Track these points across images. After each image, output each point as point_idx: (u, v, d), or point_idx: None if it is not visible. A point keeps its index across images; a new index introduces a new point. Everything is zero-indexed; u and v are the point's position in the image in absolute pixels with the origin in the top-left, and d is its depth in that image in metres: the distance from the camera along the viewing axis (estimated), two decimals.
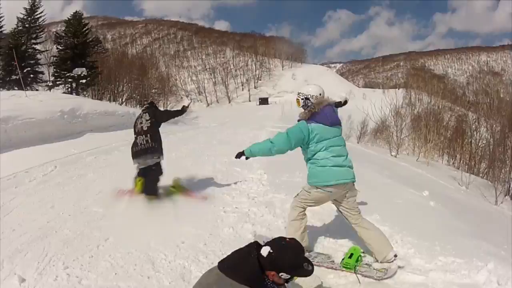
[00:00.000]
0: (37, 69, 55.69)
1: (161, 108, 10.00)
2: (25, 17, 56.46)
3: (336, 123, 6.19)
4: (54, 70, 55.12)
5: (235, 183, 11.05)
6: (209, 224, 7.96)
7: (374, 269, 5.77)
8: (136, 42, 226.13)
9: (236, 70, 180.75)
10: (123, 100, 50.12)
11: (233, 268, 3.64)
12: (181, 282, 5.67)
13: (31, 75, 52.79)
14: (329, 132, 6.03)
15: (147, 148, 8.84)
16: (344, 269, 5.86)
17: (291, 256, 3.64)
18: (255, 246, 3.80)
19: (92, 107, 22.66)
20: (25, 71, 45.79)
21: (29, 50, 55.40)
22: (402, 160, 25.90)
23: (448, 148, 39.10)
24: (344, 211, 6.19)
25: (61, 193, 10.19)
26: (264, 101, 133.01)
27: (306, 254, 4.75)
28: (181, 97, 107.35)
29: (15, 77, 49.85)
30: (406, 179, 14.87)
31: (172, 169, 12.21)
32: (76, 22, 54.80)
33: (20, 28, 56.11)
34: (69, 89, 51.01)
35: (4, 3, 56.69)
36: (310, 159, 6.22)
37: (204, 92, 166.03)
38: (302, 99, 6.38)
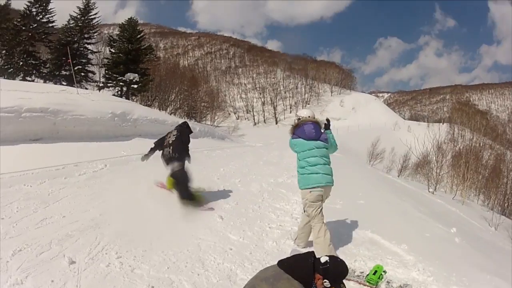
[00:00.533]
0: (87, 68, 57.72)
1: (190, 135, 10.60)
2: (78, 16, 58.13)
3: (312, 138, 7.60)
4: (106, 71, 56.70)
5: (280, 203, 11.56)
6: (255, 237, 8.54)
7: (392, 286, 6.58)
8: (188, 53, 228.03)
9: (285, 92, 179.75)
10: (172, 109, 50.76)
11: (291, 266, 4.49)
12: (227, 282, 6.25)
13: (82, 73, 54.73)
14: (306, 145, 7.59)
15: (170, 157, 10.27)
16: (367, 283, 6.61)
17: (340, 271, 4.60)
18: (312, 255, 4.67)
19: (142, 113, 23.03)
20: (76, 68, 46.75)
21: (81, 49, 57.40)
22: (439, 197, 25.67)
23: (484, 188, 38.66)
24: (323, 200, 7.61)
25: (112, 189, 10.54)
26: None
27: None
28: (229, 113, 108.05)
29: (65, 72, 51.44)
30: (439, 215, 15.00)
31: (221, 183, 12.84)
32: (130, 28, 56.38)
33: (72, 25, 57.84)
34: (119, 92, 52.38)
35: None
36: (298, 167, 7.79)
37: (252, 110, 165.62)
38: (296, 119, 8.14)
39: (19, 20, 55.65)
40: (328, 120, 8.41)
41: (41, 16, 56.25)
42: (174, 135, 10.65)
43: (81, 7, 58.05)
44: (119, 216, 8.48)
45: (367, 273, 6.78)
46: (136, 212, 8.92)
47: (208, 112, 60.38)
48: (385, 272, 6.78)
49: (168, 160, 10.33)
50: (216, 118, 62.62)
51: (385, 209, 12.05)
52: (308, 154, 7.54)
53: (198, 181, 12.27)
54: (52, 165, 11.93)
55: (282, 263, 4.57)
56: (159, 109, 45.20)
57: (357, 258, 7.41)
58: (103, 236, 7.23)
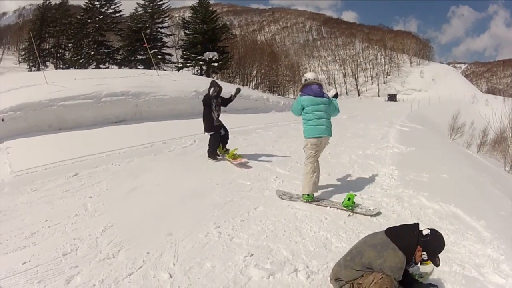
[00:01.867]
0: (163, 50, 59.52)
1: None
2: (146, 3, 60.23)
3: (319, 95, 8.75)
4: (183, 52, 58.02)
5: (369, 174, 11.42)
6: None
7: (365, 207, 8.16)
8: (264, 29, 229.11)
9: (365, 63, 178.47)
10: (254, 84, 51.05)
11: (398, 236, 4.79)
12: (323, 250, 6.29)
13: (159, 56, 56.27)
14: (313, 101, 8.70)
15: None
16: (344, 208, 8.01)
17: (439, 244, 4.85)
18: (417, 227, 4.92)
19: (226, 89, 23.17)
20: (152, 52, 47.87)
21: (154, 33, 59.14)
22: None
23: None
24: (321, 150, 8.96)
25: (205, 164, 10.90)
26: (392, 97, 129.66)
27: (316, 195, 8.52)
28: None
29: (140, 57, 53.30)
30: None
31: None
32: (203, 9, 57.28)
33: (141, 12, 60.05)
34: (199, 72, 53.30)
35: None
36: (303, 120, 8.86)
37: (334, 83, 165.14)
38: (304, 80, 9.37)
39: (82, 14, 59.05)
40: (336, 94, 9.58)
41: (106, 8, 59.27)
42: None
43: None
44: (214, 188, 8.71)
45: (342, 201, 8.14)
46: (231, 185, 9.11)
47: (290, 86, 60.43)
48: (356, 195, 8.22)
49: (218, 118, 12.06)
50: (299, 92, 61.41)
51: (466, 184, 11.77)
52: (316, 108, 8.69)
53: (290, 152, 13.13)
54: (139, 143, 12.39)
55: (390, 232, 4.87)
56: (241, 85, 45.80)
57: (441, 231, 7.03)
58: (200, 207, 7.46)
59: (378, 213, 7.89)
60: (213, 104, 12.03)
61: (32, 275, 4.92)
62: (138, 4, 60.02)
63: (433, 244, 4.78)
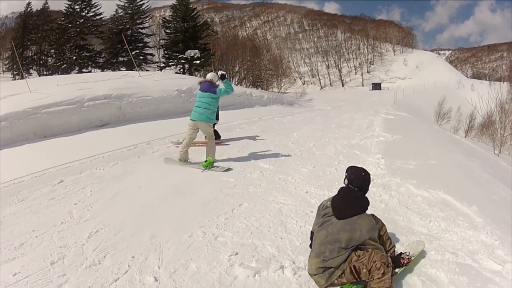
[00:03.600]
0: (145, 51, 60.16)
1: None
2: (126, 4, 60.48)
3: (205, 90, 10.98)
4: (165, 52, 58.35)
5: (356, 164, 11.06)
6: None
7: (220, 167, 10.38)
8: (245, 25, 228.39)
9: (348, 54, 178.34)
10: (237, 80, 51.19)
11: (347, 208, 4.98)
12: None
13: (141, 57, 56.77)
14: (200, 94, 11.00)
15: None
16: (202, 167, 10.24)
17: (360, 177, 5.27)
18: (346, 189, 5.19)
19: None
20: (133, 53, 48.07)
21: (135, 34, 59.49)
22: (503, 160, 24.71)
23: None
24: (204, 133, 11.05)
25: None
26: (377, 86, 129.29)
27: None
28: (295, 79, 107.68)
29: (122, 59, 53.58)
30: (505, 179, 14.44)
31: (296, 148, 13.19)
32: (183, 8, 57.47)
33: (122, 14, 60.30)
34: (182, 70, 53.61)
35: None
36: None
37: (318, 74, 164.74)
38: (202, 78, 12.54)
39: (63, 19, 59.19)
40: (223, 74, 11.18)
41: (86, 11, 59.41)
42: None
43: None
44: (198, 187, 8.75)
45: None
46: (215, 182, 9.13)
47: (274, 80, 60.43)
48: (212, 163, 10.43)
49: None
50: (282, 85, 62.17)
51: (455, 170, 11.74)
52: (199, 100, 10.92)
53: (274, 146, 13.07)
54: (122, 146, 12.44)
55: (340, 213, 4.97)
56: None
57: (431, 219, 7.30)
58: (184, 206, 7.49)
59: None
60: None
61: (22, 286, 4.94)
62: (118, 6, 60.15)
63: (362, 181, 5.19)
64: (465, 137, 38.02)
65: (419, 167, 11.01)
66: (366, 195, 5.23)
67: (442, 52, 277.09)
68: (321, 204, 5.27)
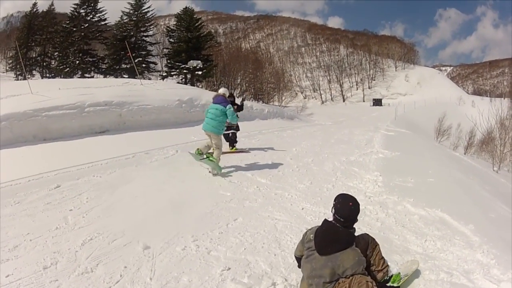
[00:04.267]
0: (148, 59, 59.94)
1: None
2: (131, 11, 60.51)
3: (217, 102, 11.62)
4: (168, 61, 58.13)
5: (353, 181, 11.35)
6: (331, 216, 8.22)
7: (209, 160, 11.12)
8: (249, 37, 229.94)
9: (350, 69, 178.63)
10: (239, 92, 51.24)
11: (332, 244, 4.83)
12: None
13: (143, 65, 56.57)
14: (211, 106, 11.65)
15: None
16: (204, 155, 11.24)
17: (345, 207, 5.07)
18: (329, 224, 5.05)
19: (210, 98, 23.19)
20: (136, 60, 48.21)
21: (139, 41, 59.55)
22: (503, 176, 24.82)
23: None
24: (213, 142, 11.44)
25: (185, 175, 10.83)
26: (377, 102, 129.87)
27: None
28: (296, 93, 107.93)
29: (125, 66, 53.56)
30: (503, 196, 14.43)
31: (294, 163, 13.15)
32: (187, 17, 57.54)
33: (126, 21, 60.40)
34: (184, 80, 53.47)
35: None
36: None
37: (319, 89, 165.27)
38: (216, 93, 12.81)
39: (67, 22, 59.06)
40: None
41: (91, 16, 59.48)
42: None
43: (133, 2, 60.52)
44: (194, 199, 8.68)
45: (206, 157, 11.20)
46: (211, 196, 9.06)
47: (275, 93, 60.71)
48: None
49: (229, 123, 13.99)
50: (283, 99, 62.81)
51: (453, 188, 11.68)
52: (209, 111, 11.61)
53: (272, 161, 13.10)
54: (121, 154, 12.40)
55: (324, 250, 4.83)
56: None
57: (427, 238, 7.27)
58: (179, 220, 7.40)
59: None
60: None
61: None
62: (123, 12, 60.20)
63: (349, 213, 4.97)
64: (465, 153, 38.32)
65: (417, 185, 10.96)
66: (357, 223, 5.17)
67: (443, 68, 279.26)
68: (305, 233, 5.21)
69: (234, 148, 15.09)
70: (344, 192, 5.85)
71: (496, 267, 6.14)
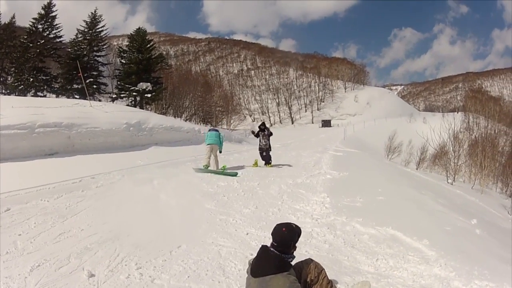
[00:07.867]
0: (99, 80, 58.89)
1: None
2: (86, 30, 59.56)
3: (212, 130, 17.78)
4: (118, 82, 57.46)
5: (300, 204, 11.41)
6: None
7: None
8: (199, 59, 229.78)
9: (299, 91, 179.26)
10: (187, 116, 51.12)
11: (265, 268, 4.77)
12: None
13: (94, 86, 55.69)
14: (210, 133, 17.47)
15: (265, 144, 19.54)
16: (222, 169, 16.00)
17: (281, 234, 4.96)
18: (265, 249, 4.99)
19: (157, 121, 23.37)
20: (87, 81, 47.62)
21: (91, 61, 58.62)
22: (458, 187, 25.41)
23: (501, 175, 37.65)
24: (214, 153, 16.79)
25: (130, 199, 10.72)
26: (326, 123, 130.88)
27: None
28: (244, 116, 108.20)
29: (76, 86, 52.55)
30: (459, 207, 14.78)
31: (239, 187, 13.19)
32: (139, 38, 57.19)
33: (80, 39, 59.25)
34: (133, 102, 52.99)
35: (61, 14, 60.75)
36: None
37: (268, 112, 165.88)
38: (209, 127, 21.14)
39: (25, 37, 57.05)
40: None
41: (48, 32, 57.79)
42: (265, 134, 19.60)
43: (88, 20, 59.54)
44: (138, 226, 8.54)
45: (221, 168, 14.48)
46: (154, 222, 8.95)
47: (223, 116, 60.71)
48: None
49: (264, 146, 19.40)
50: (232, 122, 63.11)
51: (405, 204, 11.83)
52: (209, 135, 17.37)
53: (217, 186, 13.09)
54: (68, 178, 12.13)
55: (259, 271, 4.83)
56: (174, 117, 45.78)
57: (378, 257, 7.37)
58: (122, 247, 7.28)
59: None
60: (259, 135, 19.61)
61: None
62: (78, 30, 59.11)
63: (281, 237, 4.91)
64: (417, 169, 38.96)
65: (366, 204, 11.17)
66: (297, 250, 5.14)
67: (394, 87, 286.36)
68: (249, 260, 5.30)
69: (270, 164, 18.97)
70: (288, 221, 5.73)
71: (457, 279, 6.38)
